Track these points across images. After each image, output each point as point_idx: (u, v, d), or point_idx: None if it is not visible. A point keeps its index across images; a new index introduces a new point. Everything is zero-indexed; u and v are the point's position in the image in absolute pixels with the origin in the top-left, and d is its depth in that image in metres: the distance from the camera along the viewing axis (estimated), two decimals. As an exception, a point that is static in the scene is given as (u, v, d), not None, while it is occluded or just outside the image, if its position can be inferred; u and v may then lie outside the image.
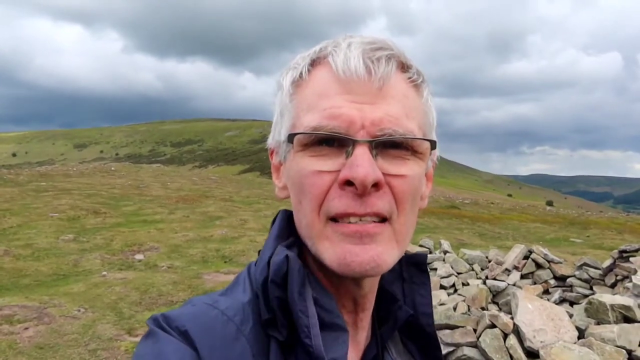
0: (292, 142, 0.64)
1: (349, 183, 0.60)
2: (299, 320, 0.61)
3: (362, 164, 0.59)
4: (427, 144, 0.66)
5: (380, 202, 0.61)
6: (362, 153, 0.60)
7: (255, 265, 0.71)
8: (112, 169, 33.68)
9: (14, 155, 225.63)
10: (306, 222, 0.64)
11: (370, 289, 0.71)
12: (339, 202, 0.61)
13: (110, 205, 15.94)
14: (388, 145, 0.63)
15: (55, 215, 13.39)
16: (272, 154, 0.75)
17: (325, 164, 0.62)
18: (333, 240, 0.62)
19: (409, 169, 0.64)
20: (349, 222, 0.61)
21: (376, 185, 0.60)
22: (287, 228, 0.70)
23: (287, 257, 0.63)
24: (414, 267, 0.77)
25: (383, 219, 0.62)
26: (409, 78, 0.67)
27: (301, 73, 0.67)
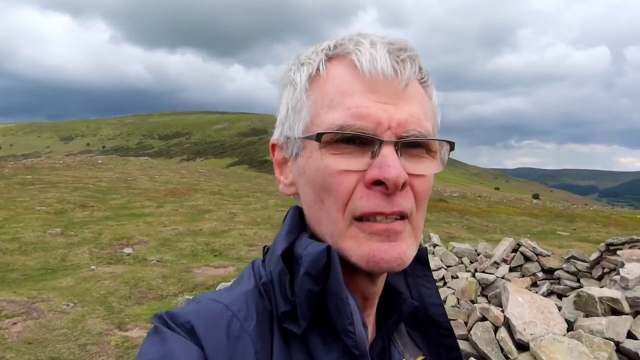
0: (319, 141, 0.63)
1: (377, 183, 0.61)
2: (343, 307, 0.61)
3: (394, 164, 0.60)
4: (444, 144, 0.69)
5: (404, 202, 0.63)
6: (390, 153, 0.61)
7: (262, 261, 0.71)
8: (99, 161, 33.31)
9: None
10: (330, 221, 0.64)
11: (381, 286, 0.72)
12: (368, 202, 0.62)
13: (98, 198, 15.77)
14: (409, 145, 0.64)
15: (42, 208, 13.23)
16: (273, 149, 0.74)
17: (350, 163, 0.62)
18: (359, 239, 0.63)
19: (426, 168, 0.66)
20: (375, 221, 0.62)
21: (402, 185, 0.62)
22: (298, 225, 0.70)
23: (329, 247, 0.63)
24: (415, 261, 0.77)
25: (404, 216, 0.64)
26: (421, 79, 0.69)
27: (318, 69, 0.67)
